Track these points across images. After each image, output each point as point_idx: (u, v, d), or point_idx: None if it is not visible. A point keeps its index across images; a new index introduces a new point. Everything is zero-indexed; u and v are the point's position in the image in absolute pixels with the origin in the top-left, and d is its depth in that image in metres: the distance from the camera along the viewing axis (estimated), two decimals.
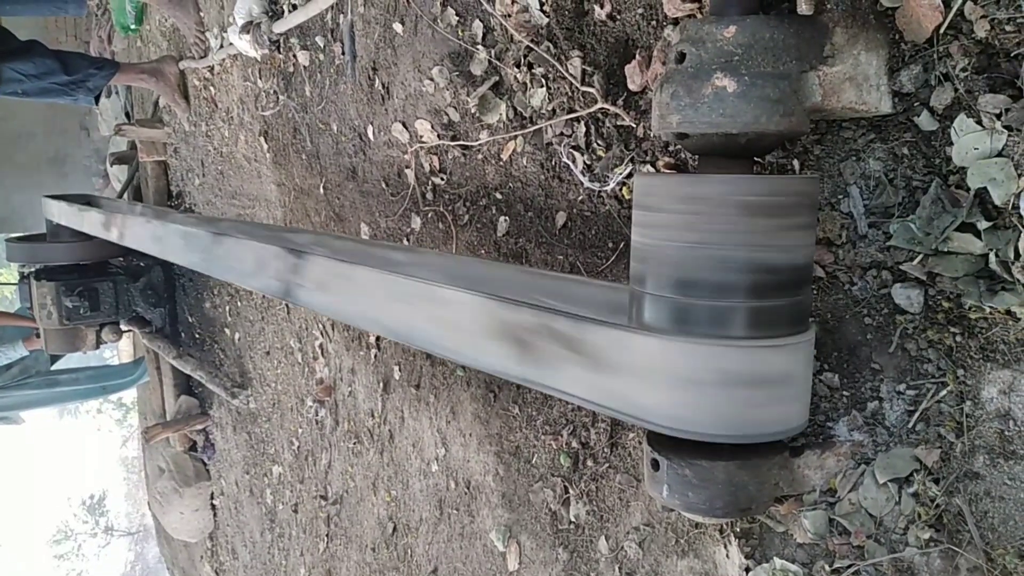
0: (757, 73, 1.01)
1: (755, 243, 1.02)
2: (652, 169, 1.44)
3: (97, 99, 3.82)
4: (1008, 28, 0.96)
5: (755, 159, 1.17)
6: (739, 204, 1.01)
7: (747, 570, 1.32)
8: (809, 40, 1.04)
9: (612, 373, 1.10)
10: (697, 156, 1.18)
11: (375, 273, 1.53)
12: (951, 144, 1.05)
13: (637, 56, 1.40)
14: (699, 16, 1.26)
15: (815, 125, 1.20)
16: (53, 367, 5.39)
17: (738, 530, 1.34)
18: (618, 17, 1.45)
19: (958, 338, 1.10)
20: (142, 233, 2.76)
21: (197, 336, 4.62)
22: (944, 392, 1.13)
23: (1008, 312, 1.04)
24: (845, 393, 1.24)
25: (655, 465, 1.15)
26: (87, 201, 4.14)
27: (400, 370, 2.44)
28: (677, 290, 1.06)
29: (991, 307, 1.05)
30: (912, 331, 1.15)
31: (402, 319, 1.48)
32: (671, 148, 1.41)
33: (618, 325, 1.10)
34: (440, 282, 1.37)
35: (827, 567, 1.23)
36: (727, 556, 1.38)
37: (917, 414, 1.16)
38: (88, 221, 3.51)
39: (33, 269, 4.48)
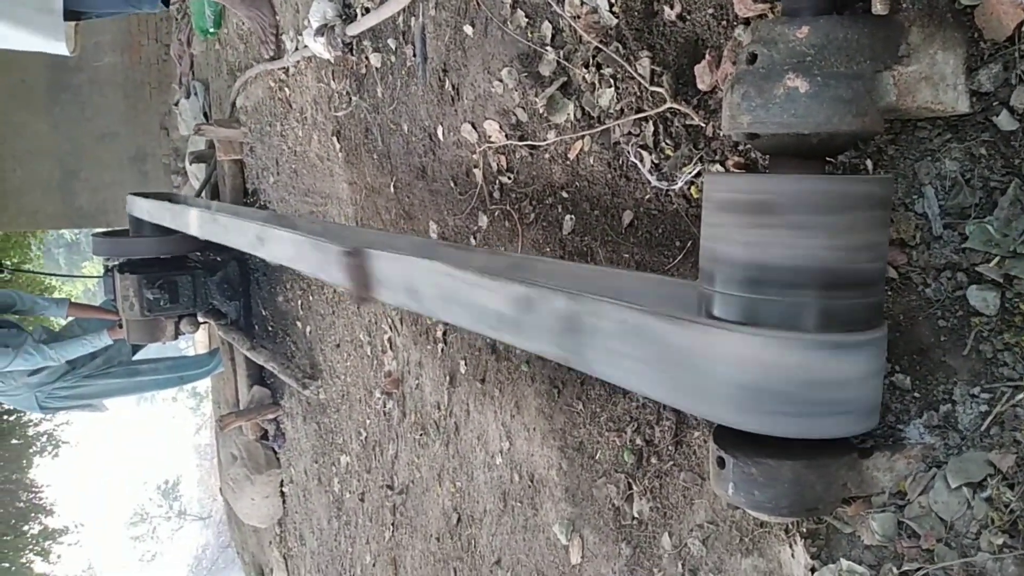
0: (830, 73, 1.02)
1: (826, 243, 1.02)
2: (721, 169, 1.44)
3: (166, 2, 3.74)
4: None
5: (827, 159, 1.17)
6: (810, 204, 1.01)
7: (812, 570, 1.32)
8: (884, 40, 1.04)
9: (682, 367, 1.11)
10: (768, 156, 1.18)
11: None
12: None
13: (707, 56, 1.41)
14: (771, 16, 1.26)
15: (889, 125, 1.19)
16: (134, 357, 5.63)
17: (804, 530, 1.34)
18: (688, 17, 1.45)
19: None
20: (247, 234, 2.72)
21: (270, 329, 4.78)
22: (1021, 396, 1.11)
23: None
24: (916, 395, 1.23)
25: (721, 463, 1.16)
26: (168, 198, 4.33)
27: (466, 364, 2.49)
28: (747, 288, 1.07)
29: None
30: (987, 333, 1.14)
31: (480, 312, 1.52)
32: (741, 147, 1.41)
33: (687, 319, 1.11)
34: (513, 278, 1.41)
35: (895, 569, 1.22)
36: (792, 556, 1.38)
37: (991, 417, 1.14)
38: (173, 216, 3.67)
39: (117, 263, 4.70)
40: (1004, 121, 1.06)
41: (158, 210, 3.89)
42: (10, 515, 12.62)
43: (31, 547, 12.90)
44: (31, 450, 13.32)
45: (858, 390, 1.04)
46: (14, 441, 12.66)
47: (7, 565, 12.33)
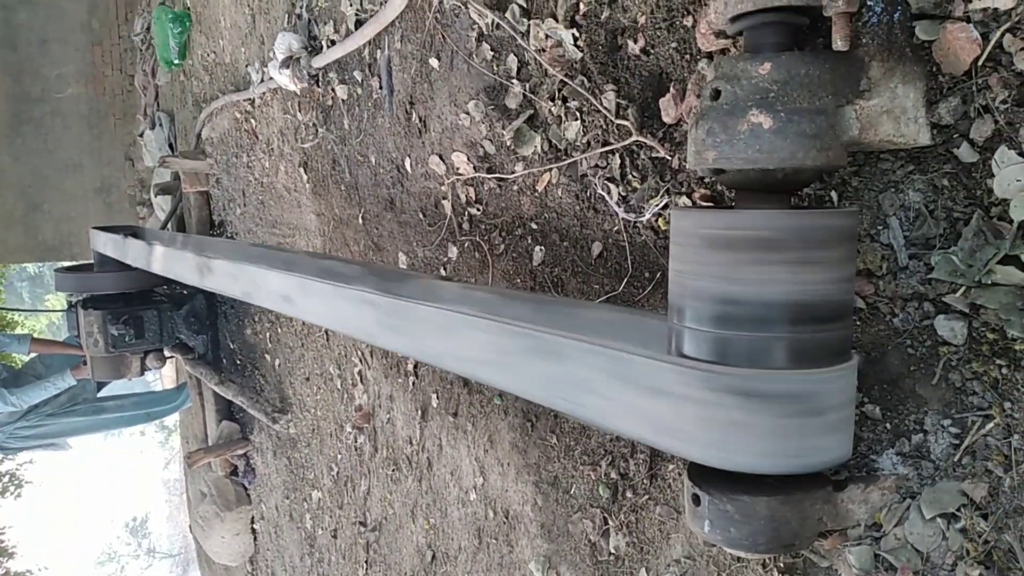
0: (793, 109, 1.02)
1: (793, 277, 1.02)
2: (688, 201, 1.44)
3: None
4: None
5: (793, 192, 1.17)
6: (776, 239, 1.01)
7: None
8: (845, 75, 1.04)
9: (653, 404, 1.10)
10: (734, 190, 1.18)
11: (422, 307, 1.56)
12: (992, 176, 1.04)
13: (671, 89, 1.41)
14: (733, 51, 1.27)
15: (852, 157, 1.20)
16: (99, 394, 5.50)
17: (781, 564, 1.33)
18: (652, 51, 1.46)
19: (1004, 370, 1.09)
20: (187, 266, 2.81)
21: (238, 362, 4.70)
22: (991, 425, 1.11)
23: None
24: (888, 425, 1.23)
25: (696, 500, 1.14)
26: (133, 232, 4.26)
27: (438, 398, 2.46)
28: (716, 324, 1.06)
29: None
30: (956, 363, 1.14)
31: (445, 349, 1.50)
32: (707, 180, 1.42)
33: (658, 356, 1.11)
34: (481, 313, 1.39)
35: None
36: None
37: (963, 447, 1.14)
38: (132, 252, 3.60)
39: (80, 298, 4.61)
40: (965, 153, 1.07)
41: (119, 245, 3.82)
42: None
43: None
44: None
45: (830, 424, 1.03)
46: None
47: None
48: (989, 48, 1.00)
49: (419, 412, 2.59)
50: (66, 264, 5.12)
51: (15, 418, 4.97)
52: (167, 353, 4.89)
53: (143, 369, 4.86)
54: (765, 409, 1.00)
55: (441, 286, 1.80)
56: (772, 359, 1.04)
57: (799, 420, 1.01)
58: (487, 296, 1.66)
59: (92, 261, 4.55)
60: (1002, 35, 0.99)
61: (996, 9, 0.98)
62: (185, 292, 4.86)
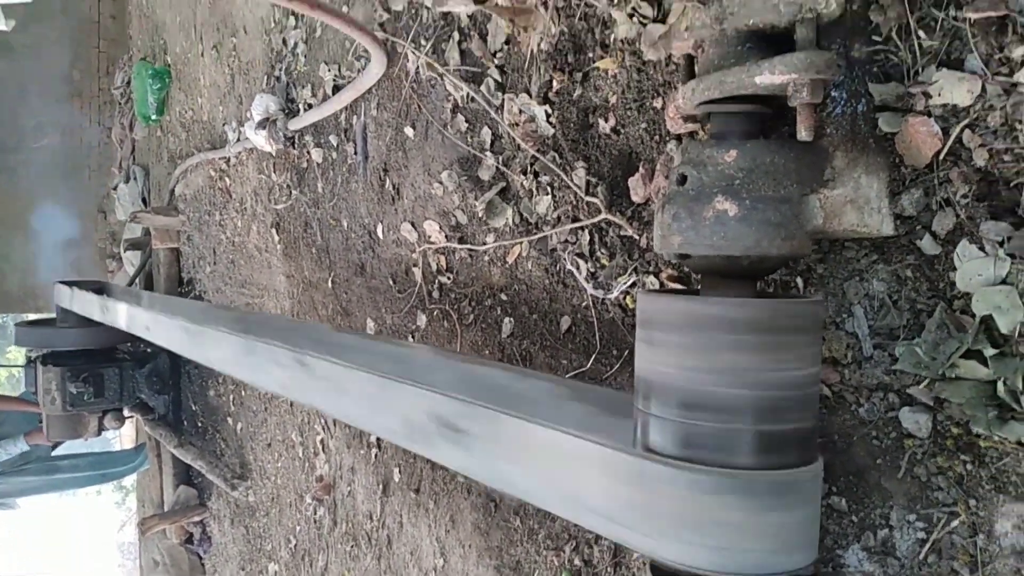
0: (758, 197, 1.02)
1: (759, 366, 1.00)
2: (656, 280, 1.43)
3: None
4: (1007, 158, 0.97)
5: (758, 278, 1.17)
6: (742, 327, 1.00)
7: None
8: (810, 164, 1.05)
9: (616, 500, 1.06)
10: (700, 275, 1.17)
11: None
12: (955, 269, 1.04)
13: (640, 169, 1.42)
14: (701, 135, 1.28)
15: (817, 244, 1.20)
16: (54, 452, 5.32)
17: None
18: (622, 131, 1.47)
19: (968, 466, 1.07)
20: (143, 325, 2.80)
21: (200, 424, 4.58)
22: (956, 523, 1.08)
23: (1019, 443, 1.01)
24: (854, 518, 1.20)
25: None
26: (99, 288, 4.18)
27: (400, 472, 2.39)
28: (681, 413, 1.04)
29: (1001, 436, 1.02)
30: (921, 456, 1.12)
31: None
32: (674, 263, 1.41)
33: (624, 450, 1.07)
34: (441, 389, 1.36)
35: None
36: None
37: (928, 545, 1.11)
38: (96, 308, 3.53)
39: (40, 353, 4.49)
40: (927, 245, 1.07)
41: (83, 301, 3.74)
42: None
43: None
44: None
45: (796, 526, 1.00)
46: None
47: None
48: (950, 143, 1.01)
49: (380, 486, 2.51)
50: (29, 318, 5.01)
51: None
52: (127, 413, 4.76)
53: (100, 429, 4.71)
54: (730, 513, 0.96)
55: (409, 346, 1.77)
56: (739, 450, 1.01)
57: (764, 524, 0.97)
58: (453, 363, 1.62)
59: (54, 316, 4.46)
60: (961, 131, 1.00)
61: (956, 105, 1.00)
62: (148, 350, 4.76)
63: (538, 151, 1.65)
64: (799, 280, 1.24)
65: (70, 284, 4.12)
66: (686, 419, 1.03)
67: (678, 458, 1.02)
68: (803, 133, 1.01)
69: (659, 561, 1.03)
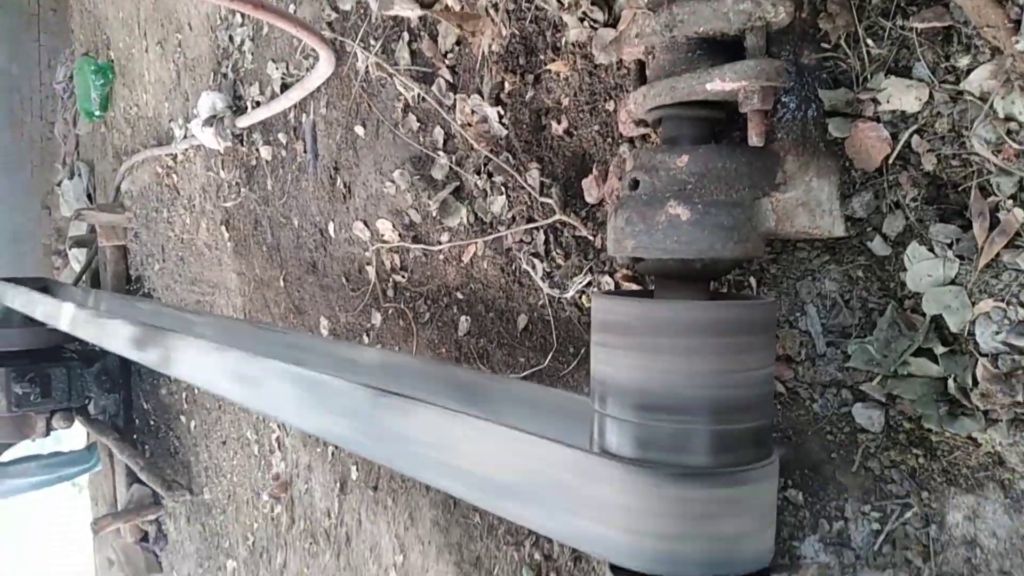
0: (711, 201, 1.02)
1: (713, 367, 1.00)
2: (611, 280, 1.43)
3: None
4: (955, 163, 0.98)
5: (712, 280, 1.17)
6: (696, 329, 1.00)
7: None
8: (761, 168, 1.05)
9: (573, 502, 1.06)
10: (653, 278, 1.17)
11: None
12: (905, 269, 1.06)
13: (594, 170, 1.41)
14: (653, 139, 1.28)
15: (770, 244, 1.20)
16: (0, 458, 5.15)
17: None
18: (575, 133, 1.46)
19: (921, 459, 1.09)
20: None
21: (152, 423, 4.48)
22: (909, 514, 1.11)
23: (969, 437, 1.03)
24: (809, 511, 1.22)
25: None
26: (43, 286, 4.05)
27: (358, 470, 2.37)
28: (637, 413, 1.04)
29: (952, 432, 1.04)
30: (874, 450, 1.14)
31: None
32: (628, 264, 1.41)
33: (581, 449, 1.07)
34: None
35: None
36: None
37: (883, 536, 1.13)
38: (38, 308, 3.42)
39: None
40: (878, 246, 1.09)
41: (25, 299, 3.63)
42: None
43: None
44: None
45: (753, 522, 1.01)
46: None
47: None
48: (899, 148, 1.02)
49: (338, 484, 2.49)
50: None
51: None
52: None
53: (48, 430, 4.58)
54: (686, 514, 0.97)
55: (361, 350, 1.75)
56: (694, 452, 1.02)
57: (721, 523, 0.98)
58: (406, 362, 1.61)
59: None
60: (910, 136, 1.01)
61: (904, 111, 1.01)
62: (97, 349, 4.63)
63: (491, 152, 1.63)
64: (752, 280, 1.25)
65: (14, 281, 3.99)
66: (642, 420, 1.03)
67: (635, 459, 1.02)
68: (754, 139, 1.01)
69: (616, 564, 1.04)
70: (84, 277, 4.87)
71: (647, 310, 1.04)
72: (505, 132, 1.59)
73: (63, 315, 2.89)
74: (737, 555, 1.01)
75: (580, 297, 1.53)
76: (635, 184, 1.05)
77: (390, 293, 2.15)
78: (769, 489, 1.03)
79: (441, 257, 1.92)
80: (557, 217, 1.48)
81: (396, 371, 1.74)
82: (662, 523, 0.98)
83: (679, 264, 1.06)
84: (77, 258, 5.26)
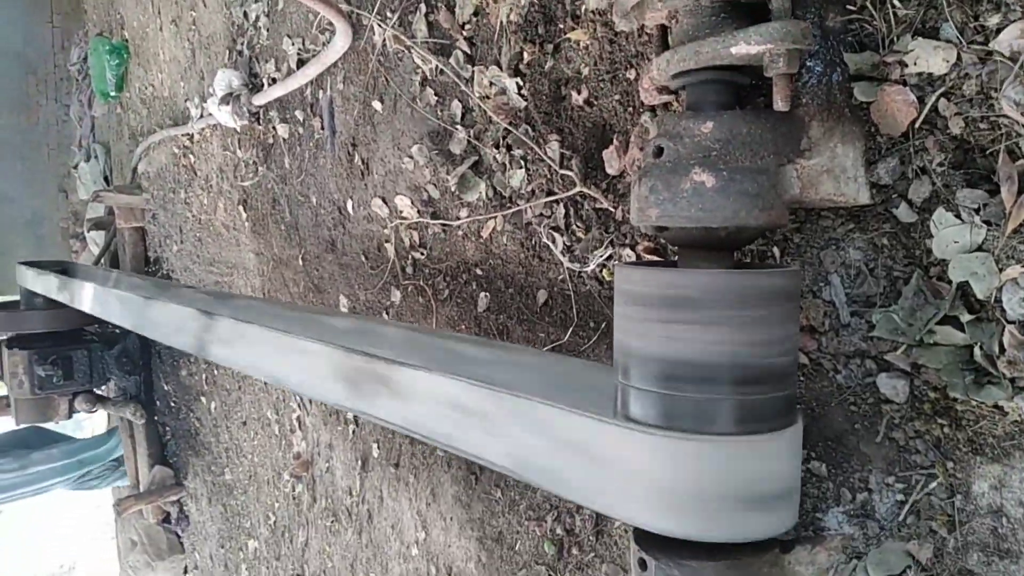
0: (736, 168, 1.01)
1: (737, 337, 1.00)
2: (632, 253, 1.43)
3: None
4: (982, 126, 0.97)
5: (736, 249, 1.16)
6: (719, 298, 0.99)
7: None
8: (786, 134, 1.04)
9: (599, 469, 1.06)
10: (677, 247, 1.17)
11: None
12: (931, 236, 1.04)
13: (615, 141, 1.40)
14: (676, 107, 1.27)
15: (794, 214, 1.19)
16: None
17: None
18: (595, 103, 1.45)
19: (946, 429, 1.08)
20: (92, 300, 2.82)
21: (173, 405, 4.53)
22: (934, 484, 1.10)
23: (996, 406, 1.02)
24: (833, 483, 1.21)
25: (643, 565, 1.10)
26: (62, 268, 4.09)
27: (379, 448, 2.39)
28: (661, 383, 1.04)
29: (978, 400, 1.03)
30: (899, 421, 1.13)
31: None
32: (650, 235, 1.40)
33: (605, 419, 1.07)
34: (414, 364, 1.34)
35: None
36: None
37: (908, 507, 1.13)
38: (57, 289, 3.46)
39: (5, 337, 4.39)
40: (903, 213, 1.07)
41: (45, 282, 3.66)
42: None
43: None
44: None
45: (777, 490, 1.01)
46: None
47: None
48: (925, 111, 1.01)
49: (359, 462, 2.51)
50: None
51: None
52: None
53: (71, 412, 4.64)
54: (711, 477, 0.97)
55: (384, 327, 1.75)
56: (718, 420, 1.01)
57: (746, 489, 0.98)
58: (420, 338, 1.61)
59: (19, 298, 4.36)
60: (937, 99, 1.00)
61: (931, 74, 0.99)
62: (117, 331, 4.68)
63: (510, 124, 1.63)
64: (776, 250, 1.24)
65: (35, 265, 4.03)
66: (666, 390, 1.03)
67: (659, 427, 1.02)
68: (779, 103, 1.00)
69: (643, 528, 1.04)
70: (103, 260, 4.91)
71: (671, 279, 1.04)
72: (524, 104, 1.58)
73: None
74: (761, 521, 1.01)
75: (601, 271, 1.52)
76: (659, 151, 1.05)
77: (409, 270, 2.15)
78: (793, 456, 1.03)
79: (460, 233, 1.91)
80: (577, 189, 1.47)
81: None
82: (687, 488, 0.98)
83: (704, 233, 1.05)
84: (95, 241, 5.29)
